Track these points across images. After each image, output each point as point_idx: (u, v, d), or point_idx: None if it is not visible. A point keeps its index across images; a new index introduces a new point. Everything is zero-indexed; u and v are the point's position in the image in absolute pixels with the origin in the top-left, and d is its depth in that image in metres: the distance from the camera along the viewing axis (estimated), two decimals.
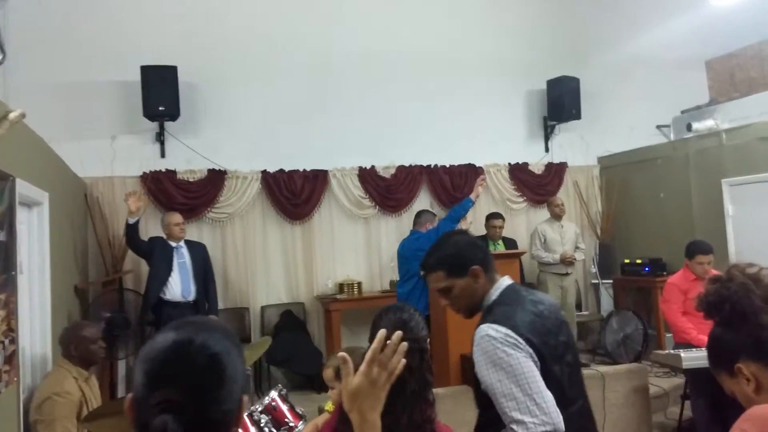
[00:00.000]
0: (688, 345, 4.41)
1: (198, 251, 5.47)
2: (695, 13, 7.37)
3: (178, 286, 5.22)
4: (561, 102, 7.15)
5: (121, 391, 5.33)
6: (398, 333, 1.22)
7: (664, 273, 6.25)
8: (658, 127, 7.50)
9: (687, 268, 4.62)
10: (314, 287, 6.52)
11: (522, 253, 4.98)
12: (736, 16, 7.17)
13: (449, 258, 1.96)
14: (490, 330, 1.76)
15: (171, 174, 6.10)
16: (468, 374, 3.94)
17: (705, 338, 4.35)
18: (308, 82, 6.62)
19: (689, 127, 6.58)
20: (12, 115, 2.62)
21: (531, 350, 1.73)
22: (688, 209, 6.41)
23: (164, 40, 6.12)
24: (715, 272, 4.57)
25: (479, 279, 1.93)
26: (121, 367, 5.46)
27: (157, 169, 6.08)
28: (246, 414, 2.86)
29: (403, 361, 1.20)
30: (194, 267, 5.34)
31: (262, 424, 2.91)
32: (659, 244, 6.49)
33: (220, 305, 5.84)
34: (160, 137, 6.18)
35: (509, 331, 1.75)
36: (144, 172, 6.03)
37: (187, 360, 0.96)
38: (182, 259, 5.32)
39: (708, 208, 6.20)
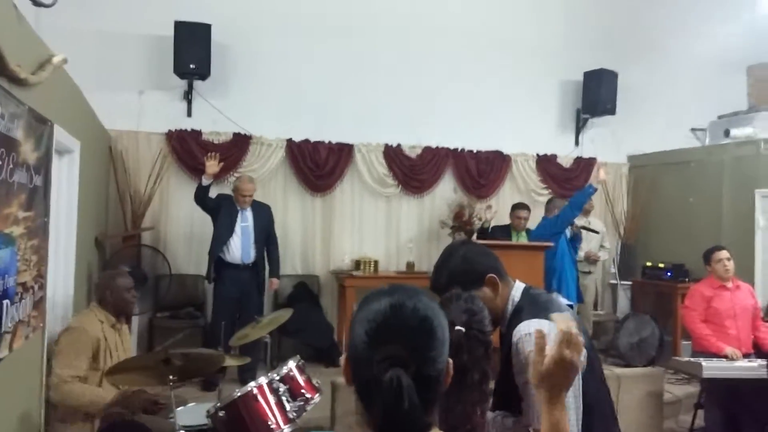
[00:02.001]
0: (707, 353, 4.36)
1: (263, 214, 5.43)
2: (741, 18, 7.19)
3: (239, 250, 5.20)
4: (597, 95, 7.00)
5: (133, 349, 5.31)
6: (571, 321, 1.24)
7: (686, 279, 6.16)
8: (693, 130, 7.34)
9: (712, 276, 4.55)
10: (330, 261, 6.48)
11: (548, 246, 4.88)
12: None
13: (462, 272, 1.87)
14: (534, 326, 1.68)
15: (196, 134, 6.04)
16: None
17: (724, 345, 4.33)
18: (341, 53, 6.50)
19: (727, 133, 6.43)
20: (55, 60, 2.55)
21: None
22: (718, 217, 6.28)
23: None
24: (744, 284, 4.54)
25: (496, 287, 1.86)
26: (135, 323, 5.44)
27: (183, 128, 6.02)
28: (266, 381, 2.83)
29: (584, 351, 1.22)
30: (256, 231, 5.30)
31: (280, 393, 2.87)
32: (684, 250, 6.37)
33: None
34: (188, 96, 6.11)
35: (555, 325, 1.68)
36: (169, 130, 5.98)
37: (404, 320, 1.04)
38: (245, 222, 5.28)
39: (738, 217, 6.07)
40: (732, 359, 4.23)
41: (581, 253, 6.24)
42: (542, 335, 1.22)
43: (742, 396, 4.08)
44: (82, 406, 2.90)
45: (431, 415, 1.05)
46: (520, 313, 1.82)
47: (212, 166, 5.15)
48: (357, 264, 6.24)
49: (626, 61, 7.15)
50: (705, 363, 4.11)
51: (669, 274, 6.41)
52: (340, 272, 6.26)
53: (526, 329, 1.71)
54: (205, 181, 5.17)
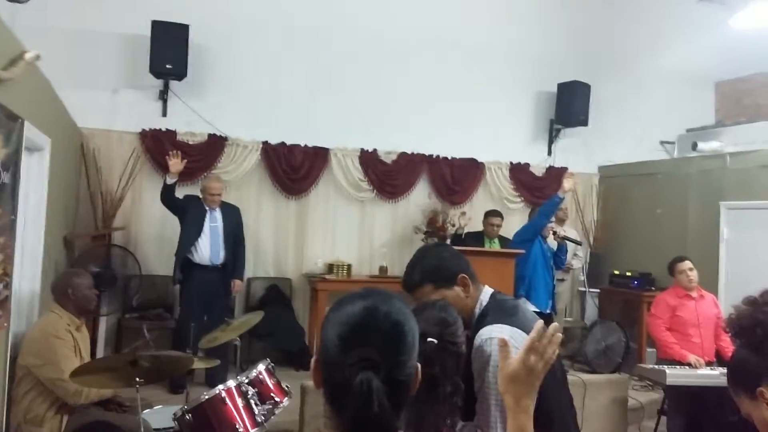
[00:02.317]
0: (671, 360, 4.45)
1: (232, 215, 5.39)
2: (711, 33, 7.37)
3: (207, 251, 5.15)
4: (570, 107, 7.13)
5: (101, 349, 5.26)
6: (555, 325, 1.26)
7: (653, 288, 6.29)
8: (662, 142, 7.51)
9: (677, 285, 4.67)
10: (303, 265, 6.47)
11: (520, 253, 4.95)
12: (751, 41, 7.18)
13: (435, 269, 1.90)
14: (497, 331, 1.71)
15: (171, 134, 5.99)
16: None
17: (687, 354, 4.42)
18: (318, 56, 6.51)
19: (695, 146, 6.60)
20: (28, 56, 2.53)
21: None
22: (684, 228, 6.44)
23: None
24: (708, 294, 4.65)
25: (468, 288, 1.89)
26: (102, 324, 5.38)
27: (157, 128, 5.97)
28: (234, 384, 2.83)
29: (557, 351, 1.26)
30: (225, 231, 5.25)
31: (248, 396, 2.87)
32: (650, 260, 6.51)
33: None
34: (163, 96, 6.06)
35: (518, 330, 1.72)
36: (143, 129, 5.92)
37: (377, 324, 1.04)
38: (215, 222, 5.23)
39: (703, 229, 6.23)
40: (695, 367, 4.33)
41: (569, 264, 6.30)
42: (506, 343, 1.25)
43: (704, 403, 4.17)
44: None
45: (399, 420, 1.05)
46: (485, 317, 1.85)
47: (175, 164, 5.09)
48: (330, 268, 6.25)
49: (599, 74, 7.29)
50: (669, 370, 4.21)
51: (636, 282, 6.54)
52: (313, 276, 6.26)
53: (488, 334, 1.73)
54: (169, 180, 5.10)
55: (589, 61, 7.32)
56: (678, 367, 4.33)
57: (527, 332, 1.70)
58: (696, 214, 6.37)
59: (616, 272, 6.84)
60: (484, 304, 1.90)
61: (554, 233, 5.44)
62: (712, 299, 4.72)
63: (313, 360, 1.08)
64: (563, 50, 7.32)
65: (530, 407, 1.25)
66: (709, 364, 4.40)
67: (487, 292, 1.94)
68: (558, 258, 5.63)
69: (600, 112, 7.28)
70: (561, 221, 6.60)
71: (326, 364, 1.05)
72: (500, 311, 1.84)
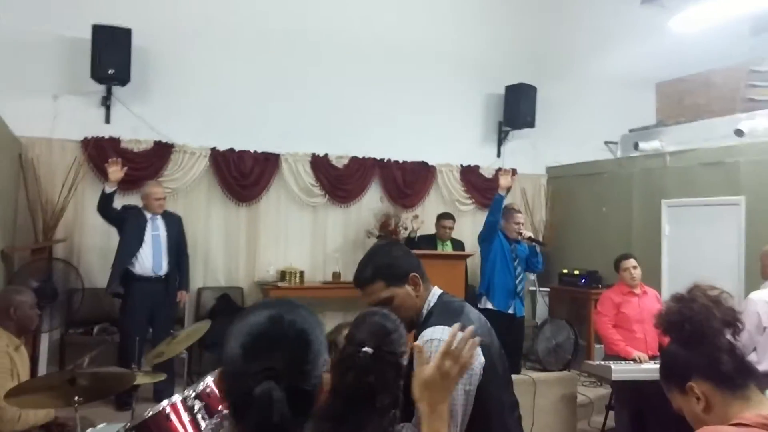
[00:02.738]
0: (617, 357, 4.57)
1: (174, 223, 5.25)
2: (652, 36, 7.63)
3: (149, 261, 4.99)
4: (517, 109, 7.26)
5: (42, 367, 5.07)
6: (470, 328, 1.25)
7: (599, 286, 6.45)
8: (606, 143, 7.71)
9: (621, 282, 4.81)
10: (255, 272, 6.40)
11: (470, 255, 5.02)
12: (689, 44, 7.46)
13: (386, 267, 1.92)
14: (438, 332, 1.70)
15: (114, 142, 5.84)
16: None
17: (632, 350, 4.54)
18: (267, 61, 6.46)
19: (636, 146, 6.79)
20: None
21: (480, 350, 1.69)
22: (628, 225, 6.62)
23: (120, 0, 5.84)
24: (650, 290, 4.80)
25: (418, 287, 1.91)
26: (44, 340, 5.19)
27: (100, 136, 5.81)
28: (180, 398, 2.77)
29: (480, 358, 1.25)
30: (169, 240, 5.11)
31: (195, 411, 2.81)
32: (597, 257, 6.68)
33: None
34: (106, 102, 5.90)
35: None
36: (86, 137, 5.75)
37: (281, 333, 1.04)
38: (156, 231, 5.09)
39: (646, 226, 6.42)
40: (639, 362, 4.46)
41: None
42: (421, 349, 1.25)
43: (648, 396, 4.30)
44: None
45: (303, 430, 1.06)
46: (430, 318, 1.86)
47: (115, 172, 4.94)
48: (282, 275, 6.20)
49: (545, 76, 7.45)
50: (614, 366, 4.32)
51: (584, 280, 6.69)
52: (265, 283, 6.19)
53: (429, 335, 1.73)
54: (108, 189, 4.95)
55: (534, 64, 7.47)
56: (623, 362, 4.45)
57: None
58: (639, 211, 6.56)
59: (565, 271, 6.99)
60: (432, 304, 1.92)
61: (520, 235, 5.47)
62: (655, 295, 4.87)
63: (217, 371, 1.07)
64: (509, 54, 7.46)
65: (445, 412, 1.25)
66: (653, 358, 4.53)
67: (435, 292, 1.96)
68: (531, 261, 5.58)
69: (546, 113, 7.43)
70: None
71: (229, 374, 1.04)
72: (445, 312, 1.86)
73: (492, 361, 1.77)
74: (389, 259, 1.94)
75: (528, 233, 5.49)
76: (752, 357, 3.76)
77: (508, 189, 5.63)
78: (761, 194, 5.31)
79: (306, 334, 1.06)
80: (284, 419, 0.98)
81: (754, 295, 3.93)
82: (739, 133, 5.75)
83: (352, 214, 6.85)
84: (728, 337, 1.46)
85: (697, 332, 1.45)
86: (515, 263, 5.41)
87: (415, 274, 1.90)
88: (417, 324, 1.90)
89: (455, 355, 1.23)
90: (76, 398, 2.58)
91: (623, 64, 7.77)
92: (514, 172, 6.32)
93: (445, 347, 1.23)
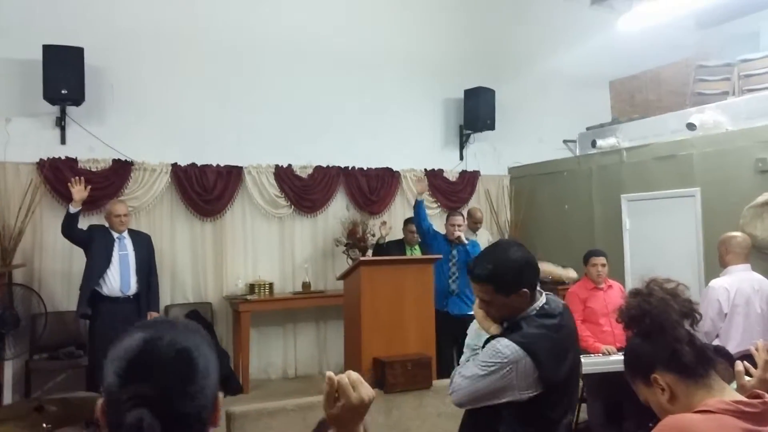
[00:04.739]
0: (586, 352, 4.66)
1: (142, 242, 5.15)
2: (602, 35, 7.84)
3: (117, 281, 4.88)
4: (477, 112, 7.37)
5: (8, 395, 4.92)
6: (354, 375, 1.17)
7: (565, 282, 6.55)
8: (565, 141, 7.88)
9: (586, 277, 4.90)
10: (223, 287, 6.33)
11: (438, 258, 5.06)
12: (638, 42, 7.68)
13: (503, 277, 1.94)
14: (503, 347, 1.90)
15: (71, 162, 5.72)
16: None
17: (600, 345, 4.63)
18: (225, 74, 6.43)
19: (594, 144, 6.95)
20: None
21: (536, 375, 1.87)
22: (590, 221, 6.77)
23: (71, 19, 5.74)
24: (615, 283, 4.91)
25: (524, 300, 1.96)
26: (8, 368, 5.04)
27: (56, 156, 5.68)
28: None
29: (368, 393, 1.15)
30: (137, 259, 5.01)
31: None
32: (562, 254, 6.81)
33: None
34: (60, 122, 5.78)
35: (523, 353, 1.88)
36: (41, 159, 5.62)
37: (157, 355, 0.97)
38: (124, 251, 4.98)
39: (608, 221, 6.57)
40: (608, 354, 4.55)
41: None
42: (332, 382, 1.13)
43: (621, 386, 4.38)
44: None
45: None
46: (517, 325, 1.98)
47: (79, 191, 4.84)
48: (251, 288, 6.14)
49: (501, 79, 7.58)
50: (583, 359, 4.38)
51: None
52: (234, 297, 6.13)
53: (500, 343, 1.93)
54: (72, 209, 4.84)
55: (491, 67, 7.60)
56: (592, 356, 4.54)
57: (545, 351, 1.91)
58: (600, 207, 6.72)
59: None
60: (528, 315, 2.03)
61: (453, 236, 5.53)
62: (619, 288, 4.97)
63: (99, 402, 1.00)
64: (466, 58, 7.57)
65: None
66: (620, 350, 4.63)
67: (538, 304, 2.04)
68: (468, 260, 5.67)
69: (506, 115, 7.56)
70: (475, 224, 6.79)
71: (107, 402, 0.97)
72: (532, 326, 1.98)
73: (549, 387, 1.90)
74: (510, 270, 1.95)
75: (458, 233, 5.51)
76: (716, 343, 3.87)
77: (421, 193, 5.96)
78: (715, 185, 5.49)
79: (187, 352, 0.98)
80: None
81: (715, 282, 4.05)
82: (691, 126, 5.93)
83: (319, 224, 6.84)
84: (687, 327, 1.50)
85: (657, 325, 1.50)
86: (450, 263, 5.50)
87: (526, 290, 1.93)
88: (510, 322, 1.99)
89: (358, 381, 1.15)
90: (44, 425, 2.52)
91: (577, 64, 7.96)
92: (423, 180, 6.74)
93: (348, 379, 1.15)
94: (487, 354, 1.91)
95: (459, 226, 5.57)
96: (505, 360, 1.86)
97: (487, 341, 1.96)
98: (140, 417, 0.92)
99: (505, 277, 1.93)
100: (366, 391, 1.14)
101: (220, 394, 1.04)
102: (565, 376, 1.94)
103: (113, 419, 0.95)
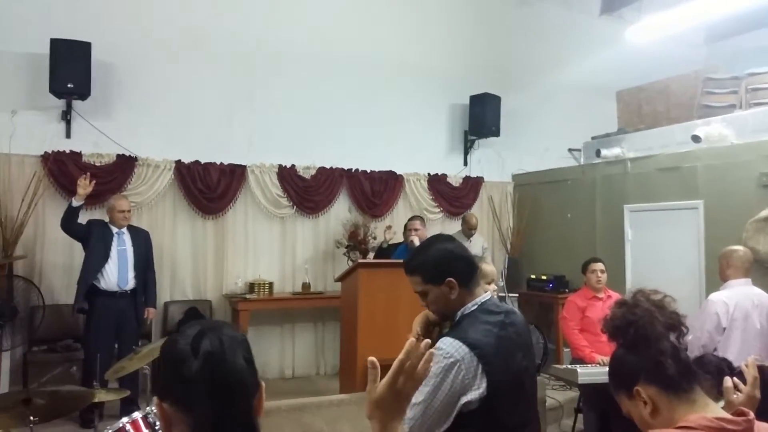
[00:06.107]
0: (582, 362, 4.63)
1: (141, 238, 5.17)
2: (611, 46, 7.83)
3: (115, 275, 4.90)
4: (482, 118, 7.36)
5: (5, 385, 4.94)
6: (426, 341, 1.22)
7: (566, 290, 6.54)
8: (570, 150, 7.85)
9: (585, 286, 4.88)
10: (223, 285, 6.33)
11: None
12: (647, 53, 7.67)
13: (428, 266, 1.96)
14: (445, 345, 1.80)
15: (76, 156, 5.74)
16: None
17: (597, 356, 4.59)
18: (232, 72, 6.44)
19: (598, 153, 6.92)
20: None
21: (480, 370, 1.78)
22: (592, 230, 6.75)
23: (79, 13, 5.78)
24: (615, 294, 4.88)
25: (454, 290, 1.93)
26: (6, 359, 5.05)
27: (61, 150, 5.70)
28: (141, 415, 2.72)
29: (430, 368, 1.21)
30: (135, 255, 5.03)
31: (156, 427, 2.77)
32: (563, 262, 6.79)
33: None
34: (66, 116, 5.80)
35: (467, 350, 1.79)
36: (45, 152, 5.64)
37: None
38: (122, 246, 5.00)
39: (610, 230, 6.54)
40: (604, 365, 4.52)
41: None
42: (375, 365, 1.18)
43: (612, 398, 4.35)
44: None
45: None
46: (459, 323, 1.93)
47: (85, 186, 4.87)
48: (251, 287, 6.14)
49: (508, 86, 7.58)
50: (580, 369, 4.36)
51: (551, 285, 6.79)
52: (233, 296, 6.14)
53: (439, 343, 1.80)
54: (75, 203, 4.87)
55: (498, 74, 7.60)
56: (589, 365, 4.51)
57: (488, 345, 1.82)
58: (603, 217, 6.69)
59: (533, 276, 7.08)
60: (468, 310, 1.99)
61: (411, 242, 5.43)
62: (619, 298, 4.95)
63: (155, 399, 1.12)
64: (473, 65, 7.58)
65: (397, 429, 1.21)
66: None
67: (480, 300, 2.01)
68: None
69: (511, 122, 7.55)
70: (470, 230, 6.77)
71: (176, 389, 1.09)
72: (470, 322, 1.92)
73: (495, 383, 1.80)
74: (434, 259, 1.97)
75: (412, 238, 5.35)
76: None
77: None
78: (718, 198, 5.46)
79: (247, 342, 1.15)
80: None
81: (714, 296, 4.02)
82: (696, 139, 5.90)
83: (320, 225, 6.84)
84: (672, 340, 1.48)
85: (641, 337, 1.47)
86: None
87: (452, 279, 1.92)
88: (453, 321, 1.96)
89: (409, 372, 1.18)
90: (31, 418, 2.52)
91: (584, 74, 7.95)
92: None
93: (398, 364, 1.18)
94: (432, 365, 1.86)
95: (416, 230, 5.38)
96: (450, 359, 1.77)
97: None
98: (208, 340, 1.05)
99: (430, 266, 1.95)
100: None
101: (263, 383, 1.12)
102: (514, 378, 1.87)
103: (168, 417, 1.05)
